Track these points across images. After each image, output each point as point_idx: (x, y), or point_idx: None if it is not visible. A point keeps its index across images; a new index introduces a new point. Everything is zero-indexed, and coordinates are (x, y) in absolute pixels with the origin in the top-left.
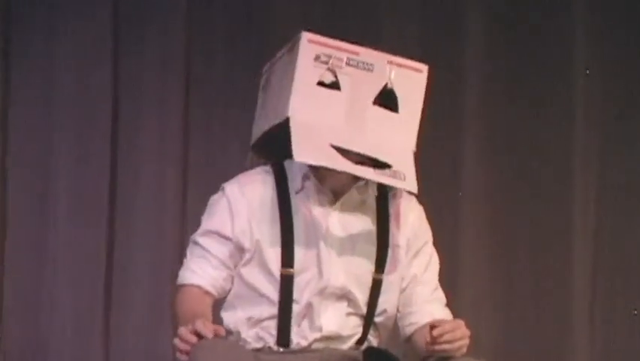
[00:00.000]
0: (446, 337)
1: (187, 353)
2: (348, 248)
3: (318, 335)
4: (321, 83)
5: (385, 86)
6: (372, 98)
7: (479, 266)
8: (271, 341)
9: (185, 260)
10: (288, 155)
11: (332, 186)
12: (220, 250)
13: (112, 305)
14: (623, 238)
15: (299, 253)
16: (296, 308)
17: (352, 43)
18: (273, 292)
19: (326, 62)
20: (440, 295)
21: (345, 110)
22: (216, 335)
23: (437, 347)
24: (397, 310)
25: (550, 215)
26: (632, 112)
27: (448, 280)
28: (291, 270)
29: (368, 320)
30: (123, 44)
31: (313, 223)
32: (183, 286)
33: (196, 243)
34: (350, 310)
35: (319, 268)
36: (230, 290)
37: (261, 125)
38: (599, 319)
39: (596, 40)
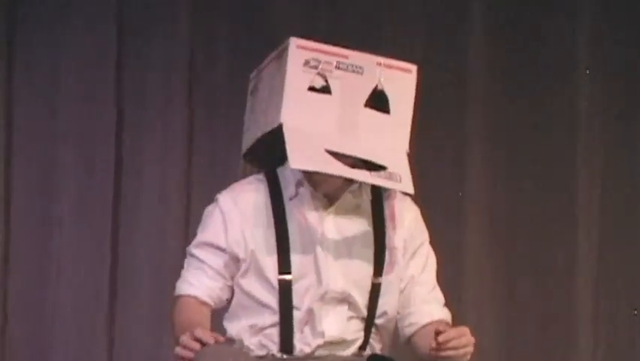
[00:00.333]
0: (451, 343)
1: (190, 360)
2: (345, 252)
3: (320, 341)
4: (311, 88)
5: (376, 87)
6: (363, 101)
7: (482, 267)
8: (274, 349)
9: (182, 271)
10: (281, 162)
11: (326, 191)
12: (215, 261)
13: (116, 306)
14: (627, 236)
15: (295, 259)
16: (297, 315)
17: (343, 47)
18: (273, 301)
19: (315, 67)
20: (439, 295)
21: (337, 114)
22: (216, 342)
23: (442, 353)
24: (397, 312)
25: (553, 215)
26: (634, 112)
27: (451, 281)
28: (289, 276)
29: (369, 323)
30: (127, 47)
31: (308, 229)
32: (180, 297)
33: (192, 255)
34: (351, 313)
35: (317, 273)
36: (227, 300)
37: (251, 134)
38: (602, 319)
39: (597, 40)
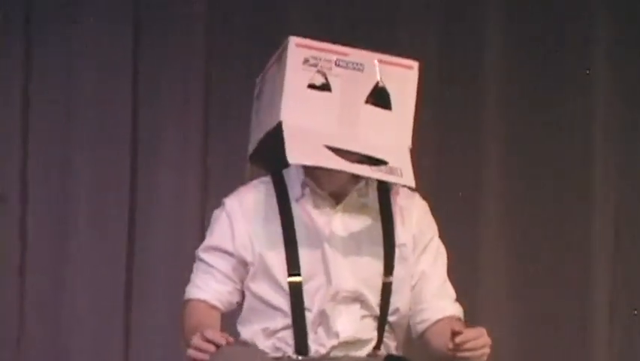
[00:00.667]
0: (469, 345)
1: None
2: (354, 250)
3: (335, 342)
4: (311, 86)
5: (376, 84)
6: (364, 98)
7: (498, 266)
8: (289, 351)
9: (191, 276)
10: (287, 164)
11: (331, 191)
12: (223, 265)
13: (132, 308)
14: None
15: (304, 259)
16: (309, 316)
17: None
18: (284, 303)
19: (315, 65)
20: (450, 290)
21: (337, 111)
22: (227, 343)
23: (459, 354)
24: (409, 308)
25: (567, 212)
26: None
27: (467, 279)
28: (299, 278)
29: (382, 321)
30: (143, 49)
31: (316, 229)
32: (189, 301)
33: (200, 259)
34: (364, 312)
35: (327, 273)
36: (237, 303)
37: (256, 136)
38: (618, 319)
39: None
